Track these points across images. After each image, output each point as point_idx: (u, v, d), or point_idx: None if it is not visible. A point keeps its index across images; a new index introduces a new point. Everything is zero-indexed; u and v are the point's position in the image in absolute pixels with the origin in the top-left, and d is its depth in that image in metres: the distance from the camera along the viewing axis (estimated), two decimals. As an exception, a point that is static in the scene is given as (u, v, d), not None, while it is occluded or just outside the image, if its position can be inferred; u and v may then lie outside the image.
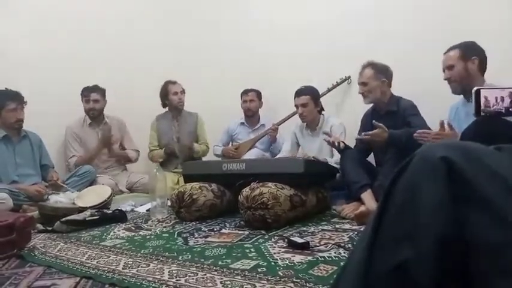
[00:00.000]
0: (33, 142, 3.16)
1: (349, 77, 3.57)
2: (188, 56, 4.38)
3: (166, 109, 3.81)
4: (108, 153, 3.63)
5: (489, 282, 0.51)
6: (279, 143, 3.62)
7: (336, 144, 2.60)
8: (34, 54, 3.47)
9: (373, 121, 2.44)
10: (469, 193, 0.55)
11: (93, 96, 3.54)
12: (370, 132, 2.44)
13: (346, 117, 3.26)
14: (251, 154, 3.46)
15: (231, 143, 3.92)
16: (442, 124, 2.03)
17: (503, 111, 1.32)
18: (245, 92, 3.78)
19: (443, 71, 2.34)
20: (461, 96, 2.36)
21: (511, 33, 2.71)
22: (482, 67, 2.24)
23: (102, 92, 3.59)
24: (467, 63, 2.23)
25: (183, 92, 3.73)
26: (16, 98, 2.97)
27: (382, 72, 2.68)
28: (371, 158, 2.85)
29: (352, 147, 2.75)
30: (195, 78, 4.13)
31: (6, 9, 3.42)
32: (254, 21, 4.14)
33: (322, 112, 3.19)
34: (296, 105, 3.11)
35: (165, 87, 3.73)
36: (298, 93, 3.08)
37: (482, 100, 1.32)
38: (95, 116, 3.60)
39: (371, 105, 2.81)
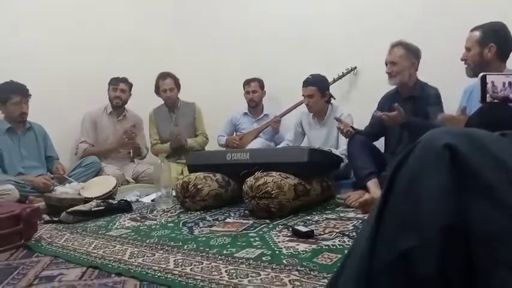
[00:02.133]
0: (38, 134, 3.17)
1: (355, 68, 3.53)
2: (190, 46, 4.36)
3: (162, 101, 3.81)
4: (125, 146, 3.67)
5: (492, 272, 0.50)
6: (282, 134, 3.61)
7: (347, 132, 2.57)
8: (43, 45, 3.47)
9: (395, 104, 2.34)
10: (473, 181, 0.54)
11: (121, 86, 3.61)
12: (388, 114, 2.37)
13: (352, 108, 3.22)
14: (255, 144, 3.46)
15: (234, 132, 3.92)
16: (463, 110, 2.00)
17: (510, 96, 1.30)
18: (247, 83, 3.75)
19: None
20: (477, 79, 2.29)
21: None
22: (501, 54, 2.09)
23: (130, 85, 3.67)
24: (483, 49, 2.09)
25: (172, 89, 3.68)
26: (20, 91, 2.96)
27: (413, 54, 2.53)
28: (380, 144, 2.80)
29: (363, 128, 2.71)
30: (198, 68, 4.12)
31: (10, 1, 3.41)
32: (257, 10, 4.11)
33: (331, 101, 3.16)
34: (303, 95, 3.09)
35: (157, 81, 3.72)
36: (305, 84, 3.03)
37: (489, 86, 1.30)
38: (119, 105, 3.64)
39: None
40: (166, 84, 3.68)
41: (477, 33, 2.12)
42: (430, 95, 2.51)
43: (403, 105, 2.43)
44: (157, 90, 3.73)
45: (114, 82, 3.61)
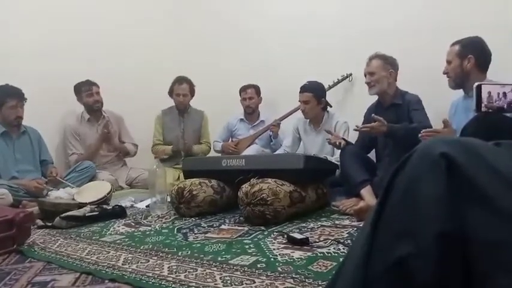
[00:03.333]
0: (33, 138, 3.15)
1: (350, 74, 3.54)
2: (187, 50, 4.37)
3: (173, 103, 3.80)
4: (108, 147, 3.63)
5: (489, 279, 0.51)
6: (280, 138, 3.61)
7: (337, 143, 2.60)
8: (35, 50, 3.44)
9: (372, 114, 2.44)
10: (469, 189, 0.55)
11: (94, 89, 3.55)
12: (368, 125, 2.45)
13: (348, 115, 3.23)
14: (251, 150, 3.46)
15: (230, 139, 3.92)
16: (445, 122, 2.05)
17: (504, 106, 1.31)
18: (243, 89, 3.75)
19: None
20: (462, 91, 2.37)
21: (505, 27, 2.70)
22: (481, 65, 2.23)
23: (98, 85, 3.59)
24: (462, 61, 2.24)
25: (186, 95, 3.70)
26: (16, 95, 2.95)
27: (390, 64, 2.66)
28: (372, 155, 2.84)
29: (354, 142, 2.76)
30: (194, 73, 4.11)
31: (4, 5, 3.40)
32: (255, 15, 4.13)
33: (328, 109, 3.18)
34: (299, 101, 3.11)
35: (172, 84, 3.73)
36: (301, 90, 3.07)
37: (485, 96, 1.32)
38: (99, 108, 3.61)
39: (375, 99, 2.79)
40: (182, 89, 3.69)
41: (456, 47, 2.28)
42: (411, 101, 2.60)
43: (385, 114, 2.51)
44: (171, 93, 3.74)
45: (87, 87, 3.52)
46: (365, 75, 2.71)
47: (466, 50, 2.24)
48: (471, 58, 2.22)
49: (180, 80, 3.70)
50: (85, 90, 3.53)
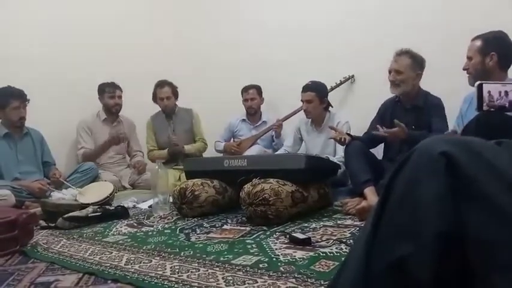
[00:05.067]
0: (35, 139, 3.17)
1: (352, 76, 3.55)
2: (188, 51, 4.39)
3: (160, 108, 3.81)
4: (119, 150, 3.68)
5: (488, 278, 0.51)
6: (283, 139, 3.61)
7: (342, 139, 2.55)
8: (38, 49, 3.47)
9: (395, 120, 2.32)
10: (469, 189, 0.55)
11: (117, 93, 3.63)
12: (388, 130, 2.35)
13: (349, 114, 3.23)
14: (253, 150, 3.46)
15: (232, 139, 3.92)
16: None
17: (506, 105, 1.31)
18: (245, 90, 3.76)
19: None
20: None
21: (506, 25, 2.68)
22: (503, 63, 2.08)
23: (121, 89, 3.68)
24: (484, 58, 2.07)
25: (169, 98, 3.69)
26: (19, 96, 2.97)
27: (419, 64, 2.50)
28: (376, 150, 2.78)
29: (363, 134, 2.70)
30: (196, 75, 4.13)
31: (7, 6, 3.41)
32: (256, 18, 4.13)
33: (329, 109, 3.17)
34: (302, 100, 3.10)
35: (154, 89, 3.73)
36: (305, 89, 3.05)
37: (486, 95, 1.31)
38: (118, 111, 3.68)
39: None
40: (164, 93, 3.69)
41: (478, 42, 2.11)
42: (433, 106, 2.48)
43: (405, 115, 2.42)
44: (155, 98, 3.74)
45: (110, 89, 3.60)
46: (389, 72, 2.53)
47: (488, 46, 2.07)
48: (494, 55, 2.05)
49: (161, 84, 3.70)
50: (108, 91, 3.61)
